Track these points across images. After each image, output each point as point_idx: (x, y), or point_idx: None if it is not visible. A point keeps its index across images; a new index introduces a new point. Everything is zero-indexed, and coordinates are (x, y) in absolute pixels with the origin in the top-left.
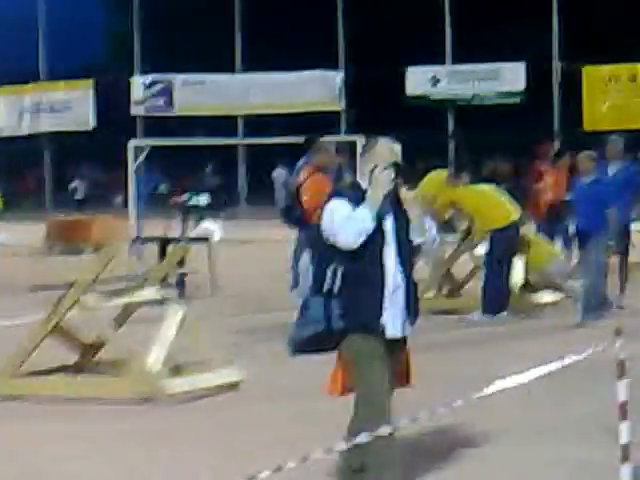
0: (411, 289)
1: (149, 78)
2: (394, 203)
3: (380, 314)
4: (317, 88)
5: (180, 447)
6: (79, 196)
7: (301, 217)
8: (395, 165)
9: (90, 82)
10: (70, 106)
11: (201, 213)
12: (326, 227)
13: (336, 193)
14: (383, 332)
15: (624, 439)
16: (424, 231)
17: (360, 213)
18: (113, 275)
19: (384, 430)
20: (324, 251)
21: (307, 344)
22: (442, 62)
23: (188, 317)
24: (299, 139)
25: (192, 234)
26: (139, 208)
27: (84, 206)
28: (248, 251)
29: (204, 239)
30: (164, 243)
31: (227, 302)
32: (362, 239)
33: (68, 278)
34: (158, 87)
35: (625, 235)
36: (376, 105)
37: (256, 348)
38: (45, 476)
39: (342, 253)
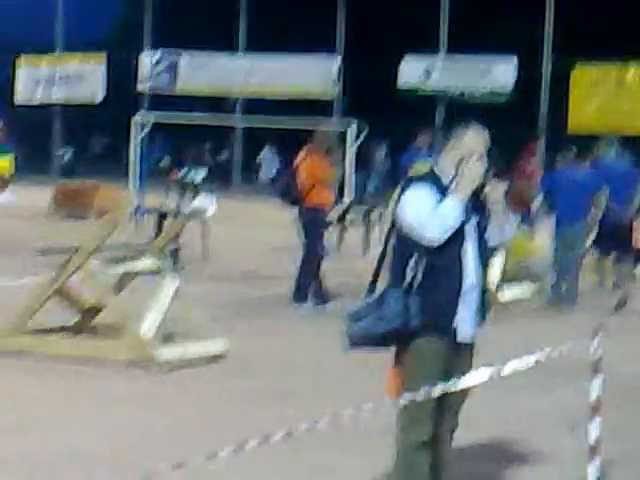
0: (484, 292)
1: (156, 55)
2: (477, 198)
3: (454, 315)
4: (314, 73)
5: (161, 412)
6: (65, 162)
7: (297, 197)
8: (486, 156)
9: (103, 56)
10: (82, 78)
11: (197, 188)
12: (406, 219)
13: (415, 181)
14: (454, 334)
15: (592, 437)
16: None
17: (446, 208)
18: (114, 243)
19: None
20: (402, 242)
21: (379, 340)
22: (436, 53)
23: (181, 288)
24: (294, 121)
25: (187, 208)
26: (141, 180)
27: (71, 174)
28: (241, 227)
29: (199, 213)
30: (161, 216)
31: (219, 275)
32: (447, 235)
33: (72, 243)
34: (164, 64)
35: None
36: (370, 93)
37: (244, 321)
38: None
39: (422, 246)
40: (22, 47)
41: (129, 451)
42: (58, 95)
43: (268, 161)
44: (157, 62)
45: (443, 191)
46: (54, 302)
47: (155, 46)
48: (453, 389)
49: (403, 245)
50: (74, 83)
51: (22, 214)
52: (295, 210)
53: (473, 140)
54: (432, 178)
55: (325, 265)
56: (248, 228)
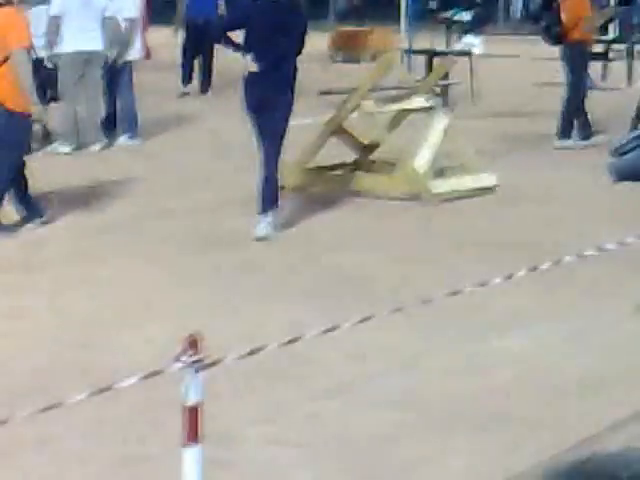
0: None
1: None
2: None
3: None
4: None
5: (436, 239)
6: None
7: (560, 34)
8: None
9: None
10: None
11: (464, 27)
12: None
13: None
14: None
15: None
16: None
17: None
18: (387, 83)
19: None
20: None
21: None
22: None
23: (451, 124)
24: None
25: (456, 47)
26: (410, 22)
27: (362, 17)
28: (506, 65)
29: (467, 52)
30: (431, 55)
31: (486, 112)
32: None
33: (349, 84)
34: None
35: None
36: None
37: (511, 156)
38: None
39: None
40: None
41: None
42: None
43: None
44: None
45: None
46: (333, 140)
47: None
48: None
49: None
50: None
51: (303, 58)
52: (558, 47)
53: None
54: None
55: (590, 99)
56: (513, 66)
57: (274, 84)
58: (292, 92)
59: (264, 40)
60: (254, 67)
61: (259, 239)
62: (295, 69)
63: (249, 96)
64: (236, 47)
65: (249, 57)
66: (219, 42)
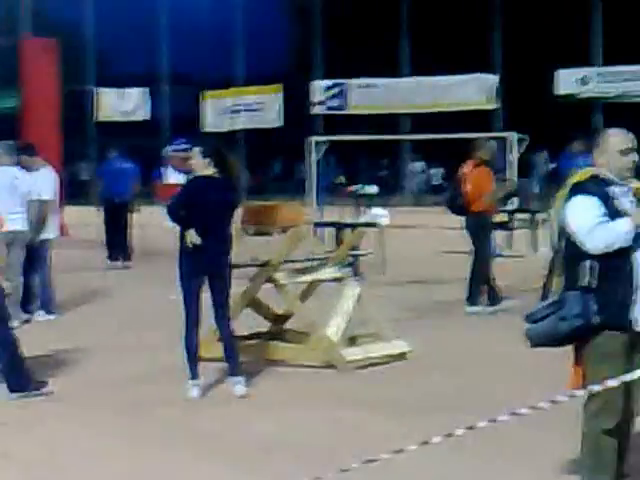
0: None
1: (327, 82)
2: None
3: (630, 310)
4: (473, 90)
5: (350, 407)
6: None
7: (464, 205)
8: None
9: (278, 87)
10: (261, 108)
11: (371, 200)
12: (573, 227)
13: (581, 189)
14: (631, 326)
15: None
16: None
17: (619, 227)
18: (297, 255)
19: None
20: (574, 247)
21: (561, 339)
22: (590, 64)
23: (363, 293)
24: (457, 135)
25: (363, 219)
26: (318, 197)
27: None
28: (414, 235)
29: (374, 224)
30: (340, 228)
31: (396, 280)
32: (613, 249)
33: (261, 257)
34: (335, 90)
35: None
36: (528, 104)
37: (421, 323)
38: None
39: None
40: (205, 82)
41: (319, 443)
42: (241, 123)
43: (421, 173)
44: (327, 88)
45: (606, 190)
46: (247, 311)
47: (325, 74)
48: (636, 377)
49: (575, 249)
50: (253, 112)
51: None
52: (462, 216)
53: (614, 140)
54: (594, 183)
55: (496, 266)
56: (420, 235)
57: (215, 256)
58: (230, 262)
59: (205, 215)
60: (197, 240)
61: (242, 397)
62: (231, 241)
63: (191, 268)
64: (183, 224)
65: (192, 231)
66: (173, 221)
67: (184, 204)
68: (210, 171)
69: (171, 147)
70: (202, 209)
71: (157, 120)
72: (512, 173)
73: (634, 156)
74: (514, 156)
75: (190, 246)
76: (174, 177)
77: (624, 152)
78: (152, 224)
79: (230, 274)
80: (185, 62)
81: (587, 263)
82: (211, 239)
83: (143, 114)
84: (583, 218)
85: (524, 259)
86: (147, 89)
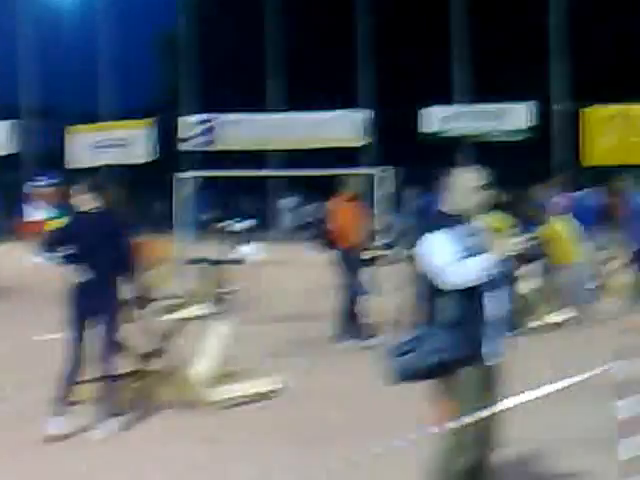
0: (507, 318)
1: (196, 117)
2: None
3: (482, 344)
4: (341, 126)
5: (207, 445)
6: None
7: (331, 241)
8: (486, 190)
9: (148, 121)
10: (128, 143)
11: (240, 237)
12: (428, 264)
13: (432, 227)
14: (485, 360)
15: (623, 455)
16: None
17: (476, 264)
18: (164, 292)
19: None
20: (429, 284)
21: (422, 374)
22: (452, 103)
23: (232, 330)
24: (324, 171)
25: (231, 256)
26: (186, 233)
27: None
28: (283, 270)
29: (241, 261)
30: (207, 264)
31: (266, 317)
32: (469, 285)
33: (125, 294)
34: (203, 125)
35: None
36: (395, 141)
37: (290, 359)
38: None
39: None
40: (71, 116)
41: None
42: (107, 158)
43: (293, 209)
44: (197, 123)
45: (457, 227)
46: None
47: (194, 109)
48: (496, 409)
49: (430, 286)
50: (121, 147)
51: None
52: (331, 252)
53: (463, 179)
54: (443, 219)
55: (365, 301)
56: (289, 271)
57: (101, 293)
58: (117, 299)
59: (89, 251)
60: (81, 277)
61: (104, 440)
62: (129, 276)
63: (76, 305)
64: (68, 261)
65: (76, 267)
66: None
67: (66, 240)
68: (95, 205)
69: (33, 183)
70: (86, 245)
71: (22, 155)
72: (380, 209)
73: (486, 193)
74: (384, 191)
75: (76, 283)
76: (38, 214)
77: (474, 190)
78: (11, 260)
79: (117, 312)
80: (52, 96)
81: (443, 299)
82: (96, 275)
83: (7, 148)
84: (438, 255)
85: (394, 295)
86: (13, 122)
